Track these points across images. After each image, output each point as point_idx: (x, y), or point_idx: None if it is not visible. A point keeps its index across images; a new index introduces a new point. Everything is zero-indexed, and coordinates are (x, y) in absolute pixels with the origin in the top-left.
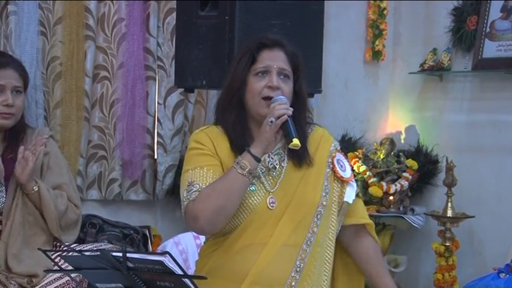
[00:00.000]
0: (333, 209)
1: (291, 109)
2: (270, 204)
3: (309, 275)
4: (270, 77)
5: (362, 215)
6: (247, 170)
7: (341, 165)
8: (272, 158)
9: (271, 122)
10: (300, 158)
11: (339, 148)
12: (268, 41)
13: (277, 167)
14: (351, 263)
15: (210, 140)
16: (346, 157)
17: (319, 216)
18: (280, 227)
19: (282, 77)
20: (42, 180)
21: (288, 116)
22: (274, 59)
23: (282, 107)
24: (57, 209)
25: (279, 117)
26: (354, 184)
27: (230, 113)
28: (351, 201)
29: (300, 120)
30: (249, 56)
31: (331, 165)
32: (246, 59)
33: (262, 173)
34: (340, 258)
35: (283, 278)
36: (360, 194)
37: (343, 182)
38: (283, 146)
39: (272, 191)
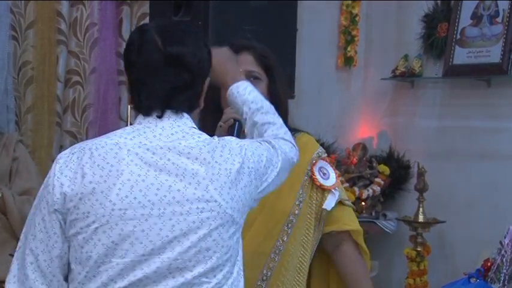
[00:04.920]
0: (309, 218)
1: None
2: None
3: (277, 284)
4: None
5: (346, 222)
6: None
7: (323, 173)
8: None
9: (220, 126)
10: None
11: (323, 155)
12: (233, 47)
13: None
14: (333, 273)
15: None
16: (332, 165)
17: (289, 225)
18: (252, 233)
19: (251, 79)
20: (11, 185)
21: (236, 120)
22: (241, 63)
23: (232, 111)
24: (23, 215)
25: (226, 121)
26: (337, 193)
27: (208, 119)
28: (329, 208)
29: None
30: None
31: (309, 173)
32: None
33: None
34: (319, 268)
35: (250, 286)
36: (350, 203)
37: (323, 190)
38: None
39: None
